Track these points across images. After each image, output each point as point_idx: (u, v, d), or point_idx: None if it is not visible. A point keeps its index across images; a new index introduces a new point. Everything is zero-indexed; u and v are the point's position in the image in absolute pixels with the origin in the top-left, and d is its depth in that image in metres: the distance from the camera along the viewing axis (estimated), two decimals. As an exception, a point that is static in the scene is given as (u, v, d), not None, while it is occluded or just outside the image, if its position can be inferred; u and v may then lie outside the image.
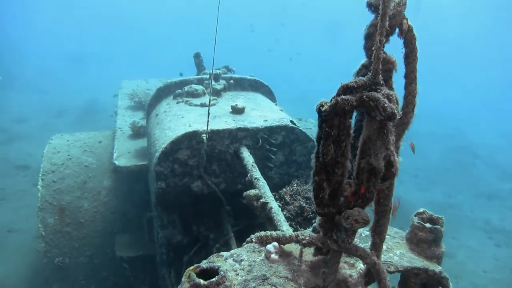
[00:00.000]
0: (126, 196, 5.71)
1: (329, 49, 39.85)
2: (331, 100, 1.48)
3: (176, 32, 38.72)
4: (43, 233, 5.48)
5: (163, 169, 3.72)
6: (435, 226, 2.28)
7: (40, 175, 5.87)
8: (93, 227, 5.58)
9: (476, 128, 21.77)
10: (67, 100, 18.95)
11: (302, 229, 3.30)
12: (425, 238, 2.28)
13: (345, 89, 1.47)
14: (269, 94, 5.19)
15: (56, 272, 5.51)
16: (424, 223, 2.32)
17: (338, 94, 1.47)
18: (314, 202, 1.67)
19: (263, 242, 2.11)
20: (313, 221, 3.36)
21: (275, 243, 2.04)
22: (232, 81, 5.02)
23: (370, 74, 1.45)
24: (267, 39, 37.39)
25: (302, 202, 3.55)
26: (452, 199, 13.45)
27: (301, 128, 4.00)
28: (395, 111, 1.38)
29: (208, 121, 3.51)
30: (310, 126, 6.75)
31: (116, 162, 5.27)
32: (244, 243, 2.20)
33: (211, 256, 2.06)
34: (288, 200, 3.60)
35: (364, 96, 1.41)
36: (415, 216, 2.36)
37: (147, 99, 6.97)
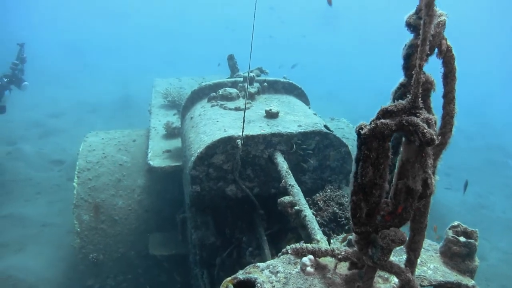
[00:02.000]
0: (160, 195, 5.79)
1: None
2: (371, 123, 1.50)
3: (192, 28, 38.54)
4: (78, 229, 5.59)
5: (199, 173, 3.77)
6: (469, 240, 2.28)
7: (76, 172, 5.98)
8: (127, 225, 5.68)
9: (508, 126, 21.36)
10: (101, 95, 19.17)
11: (335, 235, 3.32)
12: (459, 252, 2.28)
13: (385, 113, 1.49)
14: (302, 96, 5.20)
15: (91, 267, 5.62)
16: (458, 236, 2.32)
17: (377, 118, 1.50)
18: (352, 221, 1.70)
19: (299, 254, 2.15)
20: (349, 233, 3.38)
21: (311, 256, 2.07)
22: (265, 83, 5.04)
23: (410, 97, 1.46)
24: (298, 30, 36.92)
25: (335, 208, 3.57)
26: (484, 199, 13.25)
27: (334, 134, 4.01)
28: (434, 136, 1.39)
29: (243, 127, 3.54)
30: (342, 126, 6.74)
31: (151, 163, 5.34)
32: (280, 254, 2.23)
33: (248, 267, 2.10)
34: (321, 206, 3.63)
35: (404, 121, 1.43)
36: (449, 229, 2.36)
37: (180, 98, 7.05)
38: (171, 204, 5.73)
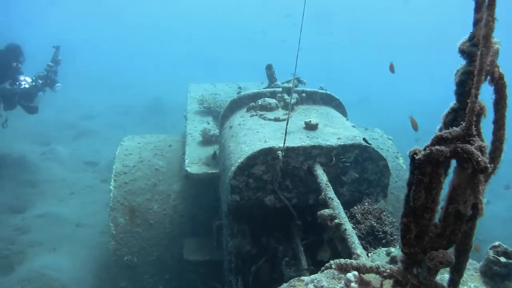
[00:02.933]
0: (195, 201, 5.87)
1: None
2: (425, 149, 1.55)
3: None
4: (114, 232, 5.70)
5: (238, 182, 3.84)
6: (509, 261, 2.30)
7: (112, 176, 6.10)
8: (161, 229, 5.77)
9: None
10: (132, 98, 19.40)
11: (372, 248, 3.36)
12: (499, 272, 2.30)
13: (439, 139, 1.53)
14: (339, 107, 5.23)
15: (125, 270, 5.71)
16: (499, 256, 2.34)
17: (432, 144, 1.54)
18: (401, 241, 1.74)
19: (343, 269, 2.19)
20: (387, 247, 3.41)
21: (355, 272, 2.11)
22: (304, 94, 5.09)
23: (464, 125, 1.50)
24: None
25: (373, 222, 3.60)
26: (518, 213, 13.09)
27: (373, 147, 4.04)
28: (488, 165, 1.43)
29: (285, 139, 3.60)
30: (376, 137, 6.75)
31: (188, 169, 5.41)
32: (323, 268, 2.28)
33: (292, 280, 2.16)
34: (359, 219, 3.66)
35: (458, 149, 1.47)
36: (490, 249, 2.39)
37: (216, 105, 7.13)
38: (206, 210, 5.81)
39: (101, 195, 9.99)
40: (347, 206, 3.74)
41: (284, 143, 3.65)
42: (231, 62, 28.05)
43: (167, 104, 18.10)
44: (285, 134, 3.59)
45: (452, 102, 1.70)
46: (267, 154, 3.76)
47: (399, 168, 6.14)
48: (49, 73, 9.55)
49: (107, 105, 18.27)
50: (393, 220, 3.68)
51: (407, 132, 13.88)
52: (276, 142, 3.85)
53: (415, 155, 1.56)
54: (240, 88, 8.54)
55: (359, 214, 3.72)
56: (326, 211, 3.20)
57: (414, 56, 34.17)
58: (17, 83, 9.39)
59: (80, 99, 18.52)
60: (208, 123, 6.81)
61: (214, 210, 5.68)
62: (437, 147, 1.51)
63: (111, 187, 5.97)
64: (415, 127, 8.01)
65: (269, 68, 5.79)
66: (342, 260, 2.22)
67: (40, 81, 9.48)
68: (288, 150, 3.76)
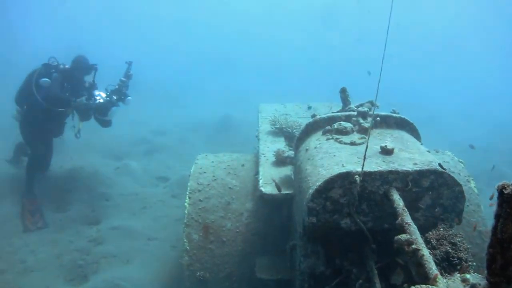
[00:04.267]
0: (267, 220, 5.99)
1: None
2: (514, 184, 1.62)
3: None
4: (188, 247, 5.88)
5: (316, 205, 3.94)
6: None
7: (187, 193, 6.30)
8: (234, 246, 5.91)
9: None
10: (201, 114, 19.77)
11: (446, 274, 3.38)
12: None
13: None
14: (414, 131, 5.25)
15: (197, 285, 5.88)
16: None
17: (521, 179, 1.62)
18: (487, 271, 1.81)
19: (425, 295, 2.26)
20: (461, 273, 3.43)
21: (437, 298, 2.17)
22: (378, 118, 5.14)
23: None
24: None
25: (448, 248, 3.61)
26: None
27: (449, 173, 4.06)
28: None
29: (363, 164, 3.68)
30: (448, 160, 6.70)
31: (263, 189, 5.54)
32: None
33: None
34: (434, 244, 3.69)
35: (548, 185, 1.54)
36: None
37: (288, 125, 7.25)
38: (277, 229, 5.92)
39: (171, 210, 10.29)
40: (421, 231, 3.77)
41: (362, 168, 3.73)
42: (296, 80, 28.11)
43: (235, 122, 18.36)
44: (364, 160, 3.67)
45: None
46: (345, 178, 3.85)
47: (471, 192, 6.08)
48: (122, 88, 9.93)
49: (177, 121, 18.69)
50: (468, 246, 3.69)
51: (476, 153, 13.70)
52: (353, 166, 3.93)
53: (504, 190, 1.63)
54: (310, 107, 8.66)
55: (434, 240, 3.74)
56: (403, 237, 3.25)
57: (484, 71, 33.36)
58: (93, 98, 9.82)
59: (151, 115, 19.04)
60: (277, 143, 6.94)
61: (286, 229, 5.78)
62: (527, 182, 1.59)
63: (186, 204, 6.17)
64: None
65: (343, 91, 5.87)
66: (424, 286, 2.28)
67: (115, 97, 9.86)
68: (365, 175, 3.83)
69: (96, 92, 9.89)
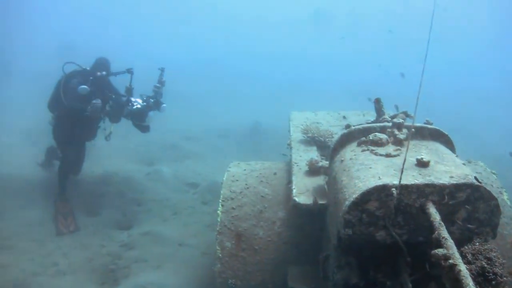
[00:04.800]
0: (299, 230, 6.00)
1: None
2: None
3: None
4: (220, 255, 5.93)
5: (352, 217, 3.95)
6: None
7: (220, 201, 6.35)
8: (266, 255, 5.94)
9: None
10: (231, 120, 19.84)
11: (482, 290, 3.37)
12: None
13: None
14: (449, 143, 5.21)
15: (228, 292, 5.92)
16: None
17: None
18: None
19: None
20: (496, 284, 3.42)
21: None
22: (413, 129, 5.13)
23: None
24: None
25: (483, 263, 3.59)
26: None
27: (485, 187, 4.04)
28: None
29: (400, 177, 3.69)
30: (480, 170, 6.64)
31: (296, 199, 5.57)
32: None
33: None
34: (470, 259, 3.67)
35: None
36: None
37: (320, 134, 7.27)
38: (309, 239, 5.93)
39: (202, 216, 10.37)
40: (457, 245, 3.75)
41: (399, 181, 3.73)
42: (326, 86, 28.05)
43: (265, 128, 18.41)
44: (401, 173, 3.67)
45: None
46: (381, 191, 3.85)
47: (503, 205, 6.00)
48: (156, 94, 10.05)
49: (206, 127, 18.78)
50: (503, 261, 3.67)
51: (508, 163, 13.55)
52: (389, 179, 3.93)
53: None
54: (344, 117, 8.65)
55: (470, 254, 3.72)
56: (440, 251, 3.25)
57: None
58: (130, 104, 9.94)
59: (181, 121, 19.17)
60: (309, 152, 6.95)
61: (318, 239, 5.80)
62: None
63: (218, 211, 6.23)
64: None
65: (377, 102, 5.87)
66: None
67: (152, 100, 9.98)
68: (402, 188, 3.83)
69: (133, 99, 10.00)
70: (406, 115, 5.83)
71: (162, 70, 10.07)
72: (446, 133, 5.29)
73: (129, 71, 9.93)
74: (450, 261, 3.14)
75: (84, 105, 9.45)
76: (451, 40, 39.55)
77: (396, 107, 6.22)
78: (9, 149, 13.66)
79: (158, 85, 10.06)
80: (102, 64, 10.08)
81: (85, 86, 9.42)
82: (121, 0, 48.62)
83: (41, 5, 44.08)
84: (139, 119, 10.05)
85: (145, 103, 9.99)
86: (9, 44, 29.80)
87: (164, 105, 10.13)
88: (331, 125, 8.19)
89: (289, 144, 7.59)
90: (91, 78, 9.73)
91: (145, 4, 49.60)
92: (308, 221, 5.90)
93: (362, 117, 8.49)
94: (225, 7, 51.67)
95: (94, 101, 9.39)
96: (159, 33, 44.24)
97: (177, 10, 49.06)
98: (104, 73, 9.89)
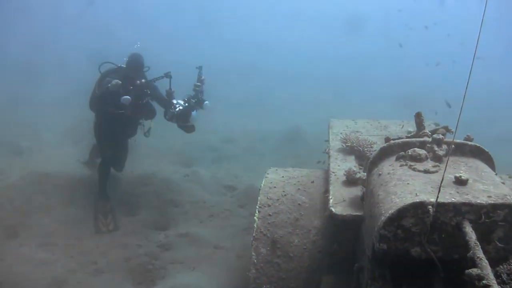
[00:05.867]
0: (334, 239, 6.04)
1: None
2: None
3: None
4: (255, 260, 6.01)
5: (387, 232, 3.98)
6: None
7: (257, 207, 6.42)
8: (300, 263, 6.00)
9: None
10: (269, 124, 19.89)
11: (516, 310, 3.38)
12: None
13: None
14: (488, 160, 5.16)
15: (262, 298, 5.99)
16: None
17: None
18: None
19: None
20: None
21: None
22: (453, 145, 5.12)
23: None
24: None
25: (519, 283, 3.61)
26: None
27: (524, 209, 4.03)
28: None
29: (437, 195, 3.72)
30: (512, 185, 6.55)
31: (333, 209, 5.61)
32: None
33: None
34: (505, 279, 3.69)
35: None
36: None
37: (359, 144, 7.28)
38: (344, 249, 5.97)
39: (238, 220, 10.48)
40: (492, 264, 3.76)
41: (436, 199, 3.76)
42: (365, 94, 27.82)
43: (302, 132, 18.43)
44: (439, 191, 3.71)
45: None
46: (418, 207, 3.88)
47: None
48: (197, 93, 10.18)
49: (246, 130, 18.91)
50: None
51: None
52: (427, 196, 3.95)
53: None
54: (385, 127, 8.65)
55: (505, 274, 3.74)
56: (474, 271, 3.26)
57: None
58: (172, 106, 10.11)
59: (220, 122, 19.33)
60: (347, 162, 6.98)
61: (353, 250, 5.84)
62: None
63: (255, 217, 6.30)
64: None
65: (418, 116, 5.88)
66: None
67: (194, 100, 10.13)
68: (439, 205, 3.85)
69: (174, 101, 10.16)
70: (447, 130, 5.82)
71: (200, 68, 10.19)
72: (487, 150, 5.26)
73: (167, 75, 10.10)
74: (484, 281, 3.16)
75: (115, 102, 9.63)
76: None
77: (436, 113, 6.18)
78: (53, 148, 14.04)
79: (198, 83, 10.21)
80: (135, 60, 10.22)
81: (127, 97, 9.60)
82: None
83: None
84: (183, 120, 10.19)
85: (187, 104, 10.13)
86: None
87: (206, 102, 10.28)
88: (370, 134, 8.20)
89: (327, 152, 7.63)
90: (131, 87, 9.87)
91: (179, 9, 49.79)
92: (343, 232, 5.94)
93: (401, 128, 8.49)
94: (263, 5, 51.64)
95: (124, 97, 9.60)
96: (196, 37, 44.42)
97: (211, 14, 49.13)
98: (143, 80, 10.04)
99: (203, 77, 10.24)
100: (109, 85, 9.50)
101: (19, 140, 14.79)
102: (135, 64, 10.12)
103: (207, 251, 9.11)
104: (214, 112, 17.27)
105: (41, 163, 12.43)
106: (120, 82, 9.58)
